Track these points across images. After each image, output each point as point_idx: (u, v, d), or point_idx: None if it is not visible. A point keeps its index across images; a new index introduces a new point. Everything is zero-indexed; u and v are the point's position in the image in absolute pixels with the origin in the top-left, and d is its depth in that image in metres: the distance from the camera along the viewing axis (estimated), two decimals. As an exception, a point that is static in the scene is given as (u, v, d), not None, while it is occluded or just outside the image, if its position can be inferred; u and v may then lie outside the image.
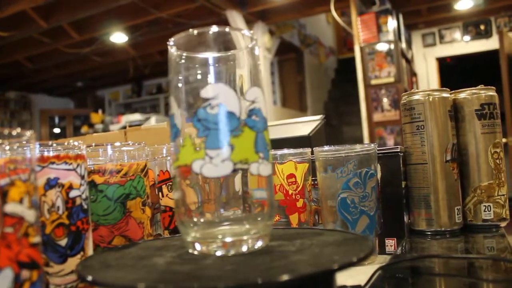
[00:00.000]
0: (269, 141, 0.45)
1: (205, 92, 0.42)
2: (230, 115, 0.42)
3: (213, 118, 0.42)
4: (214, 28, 0.45)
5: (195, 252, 0.44)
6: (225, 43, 0.45)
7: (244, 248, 0.43)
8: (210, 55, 0.44)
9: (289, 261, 0.38)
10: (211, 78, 0.43)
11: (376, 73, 4.48)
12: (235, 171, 0.42)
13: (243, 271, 0.37)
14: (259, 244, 0.44)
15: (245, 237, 0.43)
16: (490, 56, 5.84)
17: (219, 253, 0.42)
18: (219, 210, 0.44)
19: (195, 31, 0.44)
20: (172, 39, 0.45)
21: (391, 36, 4.49)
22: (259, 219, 0.44)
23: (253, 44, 0.46)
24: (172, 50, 0.44)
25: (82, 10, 4.57)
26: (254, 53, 0.46)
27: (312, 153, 0.81)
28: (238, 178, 0.43)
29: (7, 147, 0.37)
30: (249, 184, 0.43)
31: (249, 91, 0.44)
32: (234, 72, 0.44)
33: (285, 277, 0.33)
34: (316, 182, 0.80)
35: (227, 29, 0.45)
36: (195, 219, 0.44)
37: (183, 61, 0.44)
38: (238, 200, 0.44)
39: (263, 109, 0.44)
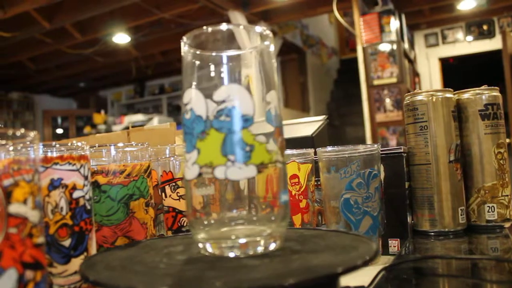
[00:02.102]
0: (254, 140, 0.41)
1: (183, 99, 0.44)
2: (198, 118, 0.42)
3: (187, 122, 0.43)
4: (224, 26, 0.44)
5: (206, 253, 0.43)
6: (233, 42, 0.44)
7: (259, 249, 0.42)
8: (221, 55, 0.43)
9: (291, 264, 0.38)
10: (220, 78, 0.42)
11: (379, 73, 4.48)
12: (200, 174, 0.42)
13: (245, 274, 0.37)
14: (272, 246, 0.43)
15: (257, 238, 0.42)
16: (493, 56, 5.84)
17: (232, 254, 0.42)
18: (228, 211, 0.43)
19: (209, 29, 0.44)
20: (185, 37, 0.44)
21: (393, 37, 4.49)
22: (272, 218, 0.43)
23: (267, 43, 0.45)
24: (185, 48, 0.44)
25: (84, 11, 4.58)
26: (268, 51, 0.45)
27: (315, 153, 0.81)
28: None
29: (11, 148, 0.37)
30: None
31: (218, 91, 0.42)
32: (240, 71, 0.43)
33: (287, 282, 0.33)
34: (319, 183, 0.80)
35: (241, 27, 0.45)
36: (204, 220, 0.43)
37: (197, 61, 0.44)
38: (245, 200, 0.43)
39: (241, 107, 0.41)
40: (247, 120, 0.41)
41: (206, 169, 0.42)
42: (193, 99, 0.43)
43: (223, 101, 0.41)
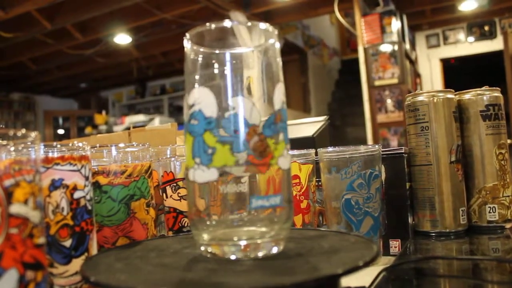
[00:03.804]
0: (216, 142, 0.41)
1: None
2: (184, 122, 0.44)
3: None
4: (228, 23, 0.43)
5: (207, 255, 0.43)
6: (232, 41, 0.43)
7: (260, 253, 0.41)
8: (215, 52, 0.42)
9: (292, 265, 0.38)
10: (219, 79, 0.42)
11: (380, 74, 4.48)
12: (187, 175, 0.43)
13: (246, 275, 0.37)
14: (275, 248, 0.42)
15: (259, 240, 0.41)
16: (494, 57, 5.83)
17: (233, 256, 0.41)
18: (230, 211, 0.42)
19: (213, 25, 0.43)
20: (188, 34, 0.43)
21: (395, 37, 4.48)
22: (275, 220, 0.42)
23: (272, 41, 0.44)
24: (188, 46, 0.43)
25: (86, 12, 4.59)
26: (274, 49, 0.44)
27: (316, 154, 0.81)
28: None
29: (12, 148, 0.37)
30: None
31: (190, 95, 0.42)
32: (242, 72, 0.42)
33: (288, 282, 0.33)
34: (320, 183, 0.80)
35: (247, 24, 0.44)
36: (206, 221, 0.42)
37: (200, 58, 0.43)
38: (246, 201, 0.42)
39: (205, 110, 0.41)
40: (210, 123, 0.41)
41: (187, 171, 0.43)
42: (184, 105, 0.44)
43: (193, 105, 0.42)
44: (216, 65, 0.42)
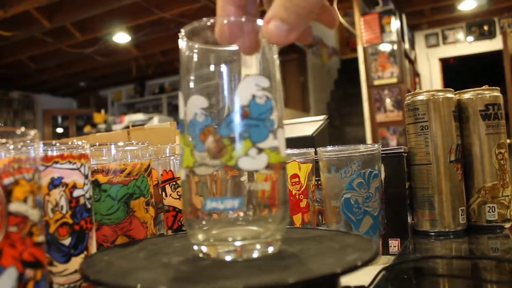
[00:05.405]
0: (184, 144, 0.41)
1: None
2: None
3: None
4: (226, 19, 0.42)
5: (200, 255, 0.42)
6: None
7: (255, 254, 0.41)
8: (213, 49, 0.42)
9: (291, 264, 0.38)
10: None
11: (379, 73, 4.48)
12: None
13: (243, 274, 0.37)
14: (270, 248, 0.42)
15: (255, 241, 0.41)
16: (494, 57, 5.84)
17: (228, 258, 0.40)
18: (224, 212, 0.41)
19: (207, 22, 0.42)
20: (183, 30, 0.42)
21: (394, 37, 4.49)
22: (269, 220, 0.41)
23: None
24: (183, 42, 0.42)
25: (85, 10, 4.58)
26: (270, 46, 0.43)
27: (315, 153, 0.81)
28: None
29: (11, 146, 0.37)
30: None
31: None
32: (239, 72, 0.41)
33: (287, 281, 0.32)
34: (319, 182, 0.80)
35: (243, 19, 0.42)
36: (202, 220, 0.42)
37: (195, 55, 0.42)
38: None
39: (180, 112, 0.42)
40: (182, 125, 0.42)
41: None
42: None
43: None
44: (210, 64, 0.41)
